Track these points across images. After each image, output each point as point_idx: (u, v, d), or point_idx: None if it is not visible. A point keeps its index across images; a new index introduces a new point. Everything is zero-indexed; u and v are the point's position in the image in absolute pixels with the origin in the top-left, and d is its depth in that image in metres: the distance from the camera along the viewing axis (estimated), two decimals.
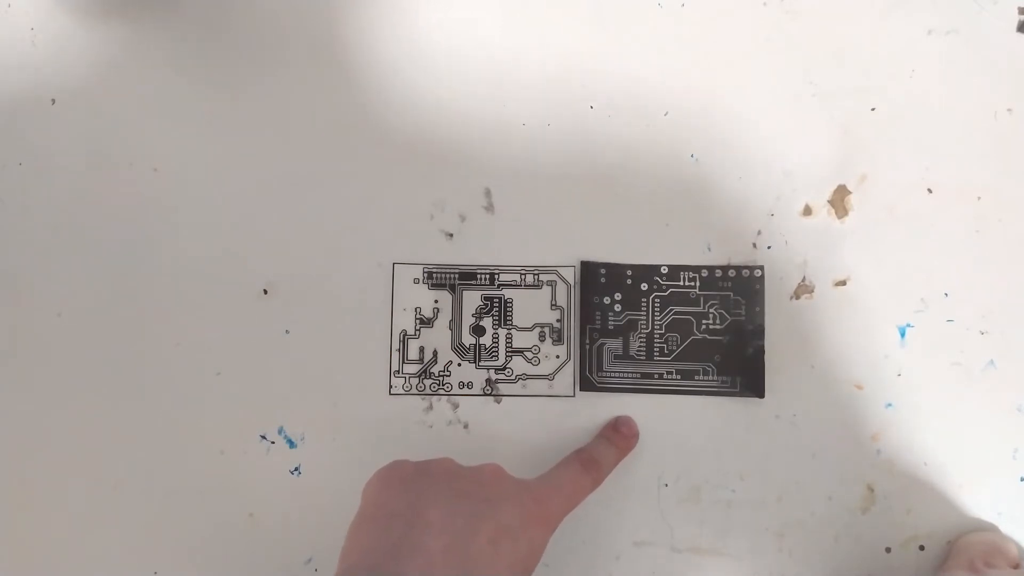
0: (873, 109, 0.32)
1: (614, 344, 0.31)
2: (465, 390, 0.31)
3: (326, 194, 0.32)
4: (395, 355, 0.32)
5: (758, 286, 0.31)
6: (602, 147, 0.32)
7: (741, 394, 0.31)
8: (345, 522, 0.25)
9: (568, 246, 0.32)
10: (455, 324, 0.32)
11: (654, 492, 0.31)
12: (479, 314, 0.32)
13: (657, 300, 0.31)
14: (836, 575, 0.31)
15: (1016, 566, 0.29)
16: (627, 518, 0.31)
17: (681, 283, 0.31)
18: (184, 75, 0.32)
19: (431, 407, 0.31)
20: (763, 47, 0.32)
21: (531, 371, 0.31)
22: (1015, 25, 0.32)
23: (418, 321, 0.32)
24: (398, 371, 0.31)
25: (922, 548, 0.31)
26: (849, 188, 0.32)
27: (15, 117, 0.32)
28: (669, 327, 0.31)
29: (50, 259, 0.32)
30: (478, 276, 0.32)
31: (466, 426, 0.31)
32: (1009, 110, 0.32)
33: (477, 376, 0.31)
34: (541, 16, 0.32)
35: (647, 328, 0.31)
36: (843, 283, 0.31)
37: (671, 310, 0.31)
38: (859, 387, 0.31)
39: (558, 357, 0.31)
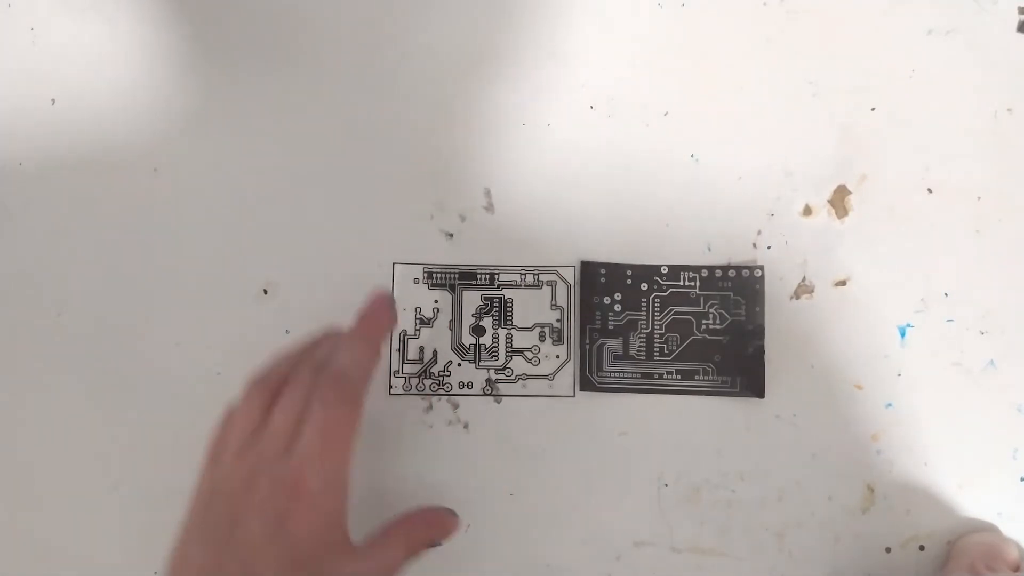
0: (873, 109, 0.32)
1: (614, 344, 0.31)
2: (465, 390, 0.31)
3: (326, 194, 0.32)
4: (395, 355, 0.31)
5: (758, 286, 0.31)
6: (602, 147, 0.32)
7: (741, 394, 0.31)
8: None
9: (568, 246, 0.32)
10: (455, 324, 0.32)
11: (654, 492, 0.31)
12: (479, 314, 0.32)
13: (657, 300, 0.31)
14: (836, 575, 0.31)
15: (1016, 569, 0.29)
16: (627, 518, 0.31)
17: (681, 283, 0.31)
18: (185, 75, 0.32)
19: (431, 407, 0.31)
20: (763, 47, 0.32)
21: (531, 371, 0.31)
22: (1015, 25, 0.32)
23: (418, 321, 0.32)
24: (398, 371, 0.31)
25: (922, 548, 0.31)
26: (849, 188, 0.32)
27: (15, 117, 0.32)
28: (669, 327, 0.31)
29: (50, 259, 0.32)
30: (478, 276, 0.32)
31: (466, 426, 0.31)
32: (1009, 110, 0.32)
33: (477, 376, 0.31)
34: (541, 15, 0.32)
35: (647, 328, 0.31)
36: (843, 283, 0.31)
37: (671, 310, 0.31)
38: (859, 387, 0.31)
39: (558, 357, 0.31)
